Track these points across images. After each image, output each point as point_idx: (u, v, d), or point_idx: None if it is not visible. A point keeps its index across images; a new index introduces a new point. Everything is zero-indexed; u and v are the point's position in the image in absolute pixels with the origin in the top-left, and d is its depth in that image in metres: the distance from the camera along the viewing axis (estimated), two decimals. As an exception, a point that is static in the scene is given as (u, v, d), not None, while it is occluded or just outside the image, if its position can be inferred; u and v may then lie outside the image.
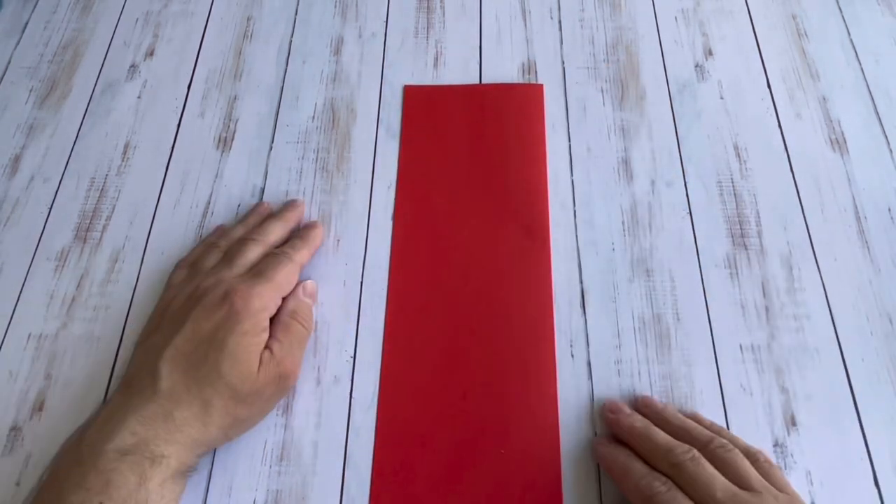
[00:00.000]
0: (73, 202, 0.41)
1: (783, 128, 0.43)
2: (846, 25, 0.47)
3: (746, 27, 0.47)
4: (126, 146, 0.43)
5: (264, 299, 0.33)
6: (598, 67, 0.45)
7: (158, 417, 0.29)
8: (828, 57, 0.46)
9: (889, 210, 0.40)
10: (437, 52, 0.46)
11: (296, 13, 0.48)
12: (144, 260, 0.39)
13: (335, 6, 0.49)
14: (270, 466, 0.33)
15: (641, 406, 0.34)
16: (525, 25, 0.47)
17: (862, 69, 0.45)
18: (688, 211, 0.40)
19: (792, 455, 0.33)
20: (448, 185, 0.41)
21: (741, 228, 0.39)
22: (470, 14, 0.48)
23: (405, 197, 0.40)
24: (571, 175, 0.41)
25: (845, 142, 0.42)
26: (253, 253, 0.36)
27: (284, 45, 0.47)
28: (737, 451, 0.30)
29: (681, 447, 0.30)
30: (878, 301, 0.37)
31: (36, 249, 0.39)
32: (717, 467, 0.29)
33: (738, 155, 0.42)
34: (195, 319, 0.32)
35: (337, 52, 0.46)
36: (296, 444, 0.34)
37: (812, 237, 0.39)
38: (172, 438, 0.29)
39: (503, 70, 0.45)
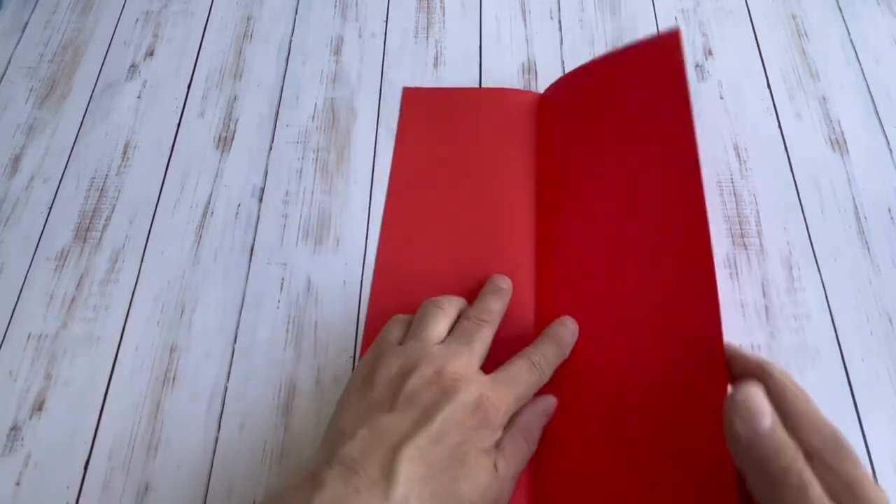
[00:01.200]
0: (73, 202, 0.41)
1: (783, 128, 0.43)
2: (846, 25, 0.47)
3: (746, 27, 0.47)
4: (126, 146, 0.43)
5: (508, 416, 0.29)
6: (598, 67, 0.45)
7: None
8: (828, 57, 0.46)
9: (889, 210, 0.40)
10: (437, 52, 0.46)
11: (296, 13, 0.48)
12: (144, 260, 0.39)
13: (335, 6, 0.49)
14: (270, 466, 0.33)
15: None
16: (525, 25, 0.47)
17: (862, 69, 0.45)
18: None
19: (792, 455, 0.33)
20: (441, 190, 0.40)
21: (741, 228, 0.39)
22: (470, 14, 0.48)
23: (396, 201, 0.40)
24: (571, 175, 0.41)
25: (845, 142, 0.42)
26: (488, 337, 0.32)
27: (284, 45, 0.47)
28: (855, 470, 0.24)
29: (800, 459, 0.24)
30: (878, 301, 0.37)
31: (36, 249, 0.39)
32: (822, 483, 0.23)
33: (738, 155, 0.42)
34: (446, 423, 0.27)
35: (337, 52, 0.46)
36: (296, 444, 0.34)
37: (812, 237, 0.39)
38: None
39: (503, 70, 0.45)
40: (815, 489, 0.22)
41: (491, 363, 0.32)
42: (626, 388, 0.31)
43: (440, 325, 0.31)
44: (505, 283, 0.35)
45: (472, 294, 0.35)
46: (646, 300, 0.32)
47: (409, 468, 0.25)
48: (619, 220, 0.35)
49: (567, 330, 0.33)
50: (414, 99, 0.44)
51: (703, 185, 0.31)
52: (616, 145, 0.37)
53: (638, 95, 0.37)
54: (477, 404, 0.28)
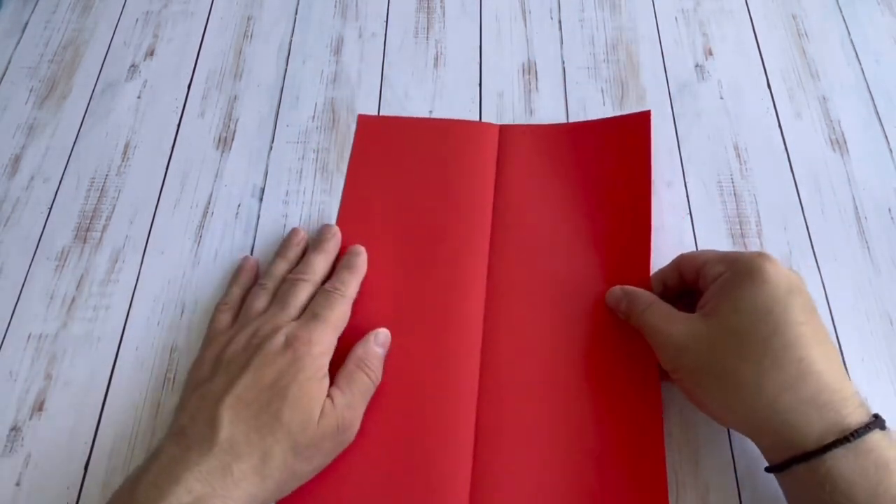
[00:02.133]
0: (73, 202, 0.41)
1: (783, 128, 0.43)
2: (846, 25, 0.47)
3: (746, 27, 0.47)
4: (126, 146, 0.43)
5: (324, 344, 0.32)
6: (598, 67, 0.45)
7: (216, 472, 0.28)
8: (828, 57, 0.46)
9: (889, 210, 0.40)
10: (437, 52, 0.46)
11: (296, 13, 0.48)
12: (144, 260, 0.39)
13: (335, 6, 0.49)
14: (270, 466, 0.33)
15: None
16: (525, 25, 0.47)
17: (862, 69, 0.45)
18: (688, 211, 0.40)
19: (792, 455, 0.33)
20: (391, 221, 0.39)
21: (741, 228, 0.39)
22: (470, 14, 0.48)
23: (345, 230, 0.38)
24: (571, 175, 0.41)
25: (845, 142, 0.42)
26: (304, 293, 0.35)
27: (284, 45, 0.47)
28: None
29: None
30: (878, 301, 0.37)
31: (36, 249, 0.39)
32: None
33: (738, 155, 0.42)
34: (257, 367, 0.30)
35: (337, 52, 0.46)
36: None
37: (812, 237, 0.39)
38: (229, 495, 0.27)
39: (503, 70, 0.45)
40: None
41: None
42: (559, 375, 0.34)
43: (260, 300, 0.35)
44: (332, 238, 0.38)
45: (420, 323, 0.36)
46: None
47: (230, 414, 0.29)
48: (570, 262, 0.38)
49: (359, 257, 0.37)
50: (369, 127, 0.43)
51: (651, 251, 0.36)
52: (574, 202, 0.39)
53: (603, 163, 0.40)
54: (285, 345, 0.31)
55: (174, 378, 0.35)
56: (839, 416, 0.27)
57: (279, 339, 0.32)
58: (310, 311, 0.34)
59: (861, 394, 0.28)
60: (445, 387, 0.34)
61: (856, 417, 0.27)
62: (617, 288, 0.35)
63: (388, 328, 0.35)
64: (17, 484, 0.32)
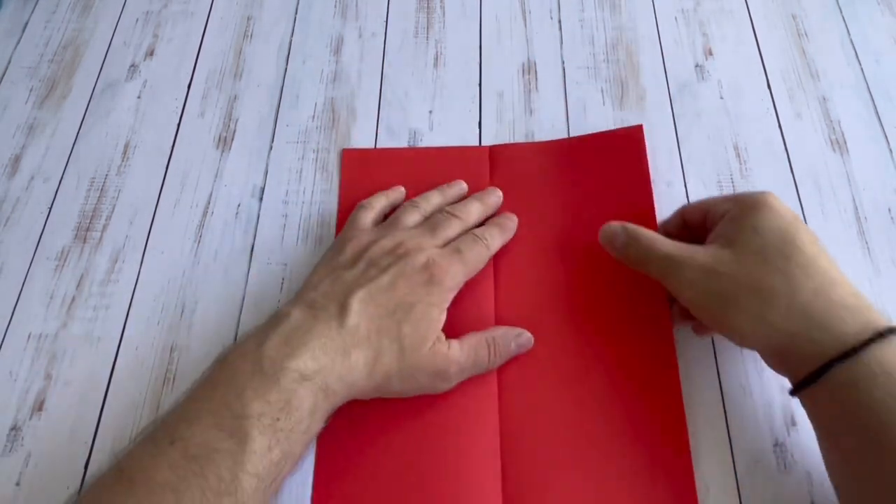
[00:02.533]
0: (73, 202, 0.41)
1: (783, 128, 0.43)
2: (846, 25, 0.47)
3: (746, 27, 0.47)
4: (126, 146, 0.43)
5: (457, 279, 0.34)
6: (598, 67, 0.45)
7: (339, 351, 0.30)
8: (828, 57, 0.46)
9: (889, 210, 0.40)
10: (437, 52, 0.46)
11: (296, 13, 0.48)
12: (144, 260, 0.39)
13: (335, 6, 0.49)
14: (270, 466, 0.33)
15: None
16: (525, 25, 0.47)
17: (862, 69, 0.45)
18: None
19: (792, 455, 0.33)
20: None
21: (741, 228, 0.39)
22: (470, 14, 0.48)
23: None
24: (571, 175, 0.41)
25: (845, 142, 0.42)
26: (454, 229, 0.36)
27: (284, 45, 0.47)
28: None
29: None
30: (878, 301, 0.37)
31: (36, 249, 0.39)
32: None
33: (738, 155, 0.42)
34: (395, 275, 0.32)
35: (337, 52, 0.46)
36: (296, 444, 0.34)
37: (812, 237, 0.39)
38: (343, 377, 0.30)
39: (503, 70, 0.45)
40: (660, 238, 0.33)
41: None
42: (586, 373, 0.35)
43: (411, 217, 0.37)
44: (495, 195, 0.39)
45: None
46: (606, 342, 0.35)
47: (360, 306, 0.31)
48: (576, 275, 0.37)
49: (512, 221, 0.38)
50: (355, 161, 0.42)
51: None
52: (573, 219, 0.39)
53: (600, 178, 0.40)
54: (425, 266, 0.33)
55: (174, 378, 0.35)
56: (871, 316, 0.28)
57: (421, 258, 0.33)
58: (454, 246, 0.35)
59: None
60: (465, 397, 0.34)
61: (884, 320, 0.28)
62: (614, 224, 0.35)
63: None
64: (17, 484, 0.32)
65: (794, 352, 0.29)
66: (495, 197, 0.39)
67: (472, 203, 0.38)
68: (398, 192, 0.40)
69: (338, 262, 0.34)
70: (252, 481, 0.27)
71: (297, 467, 0.31)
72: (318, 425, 0.30)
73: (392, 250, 0.34)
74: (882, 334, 0.27)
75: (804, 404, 0.30)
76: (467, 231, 0.37)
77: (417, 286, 0.32)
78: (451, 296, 0.34)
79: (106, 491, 0.27)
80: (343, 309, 0.31)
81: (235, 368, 0.29)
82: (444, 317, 0.33)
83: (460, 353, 0.33)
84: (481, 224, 0.38)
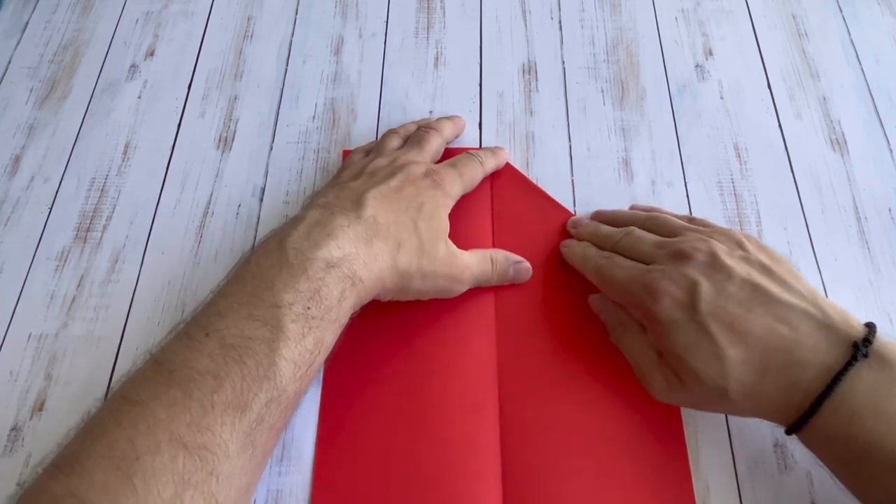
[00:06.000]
0: (73, 202, 0.41)
1: (783, 128, 0.43)
2: (846, 25, 0.47)
3: (746, 27, 0.47)
4: (126, 146, 0.43)
5: (455, 188, 0.35)
6: (598, 67, 0.45)
7: (361, 240, 0.30)
8: (828, 57, 0.46)
9: (889, 210, 0.40)
10: (437, 52, 0.46)
11: (296, 13, 0.48)
12: (144, 260, 0.39)
13: (335, 6, 0.49)
14: (270, 466, 0.33)
15: (596, 215, 0.39)
16: (525, 25, 0.47)
17: (862, 69, 0.45)
18: (688, 211, 0.40)
19: (792, 455, 0.33)
20: None
21: (741, 228, 0.39)
22: (470, 14, 0.48)
23: None
24: (572, 175, 0.41)
25: (845, 142, 0.42)
26: (436, 142, 0.38)
27: (284, 45, 0.47)
28: (666, 215, 0.36)
29: (620, 230, 0.36)
30: (878, 301, 0.37)
31: (36, 249, 0.39)
32: (651, 232, 0.35)
33: (738, 155, 0.42)
34: (401, 179, 0.34)
35: (337, 52, 0.46)
36: (296, 444, 0.34)
37: (812, 237, 0.39)
38: (369, 265, 0.30)
39: (503, 70, 0.45)
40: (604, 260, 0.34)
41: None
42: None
43: (393, 141, 0.39)
44: (459, 119, 0.42)
45: (427, 359, 0.35)
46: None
47: (374, 202, 0.32)
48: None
49: (503, 152, 0.41)
50: None
51: None
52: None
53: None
54: (425, 173, 0.35)
55: (174, 378, 0.35)
56: (843, 330, 0.28)
57: (420, 167, 0.35)
58: (450, 161, 0.37)
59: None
60: (466, 421, 0.34)
61: (853, 326, 0.28)
62: (598, 298, 0.36)
63: (401, 364, 0.35)
64: (18, 484, 0.32)
65: (783, 406, 0.28)
66: (461, 120, 0.42)
67: (443, 121, 0.40)
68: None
69: (340, 179, 0.36)
70: (289, 367, 0.27)
71: (328, 356, 0.31)
72: (346, 315, 0.30)
73: (389, 164, 0.35)
74: (857, 347, 0.27)
75: (802, 440, 0.29)
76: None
77: (423, 189, 0.34)
78: (451, 203, 0.35)
79: (146, 381, 0.27)
80: (359, 204, 0.32)
81: (262, 264, 0.30)
82: (448, 224, 0.34)
83: (471, 259, 0.35)
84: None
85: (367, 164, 0.36)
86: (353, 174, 0.36)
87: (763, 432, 0.33)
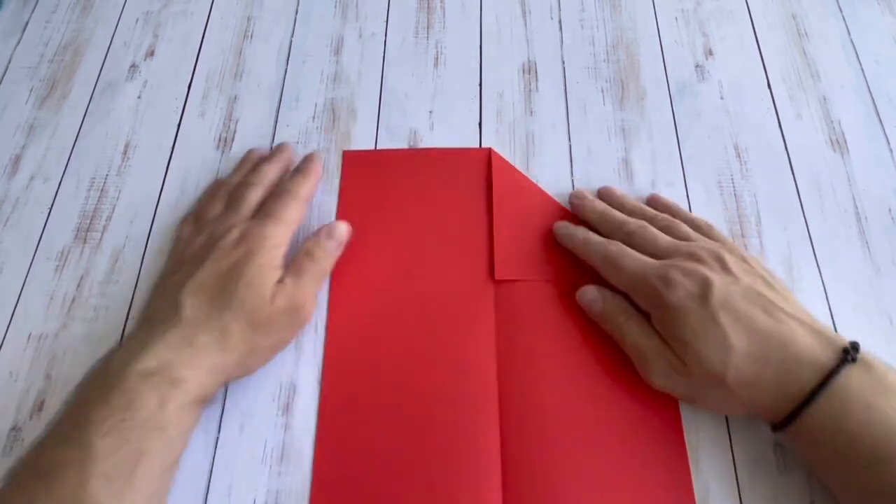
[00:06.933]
0: (73, 202, 0.41)
1: (783, 128, 0.43)
2: (846, 25, 0.47)
3: (746, 27, 0.47)
4: (126, 146, 0.43)
5: (276, 238, 0.34)
6: (598, 67, 0.45)
7: (180, 343, 0.31)
8: (828, 57, 0.46)
9: (889, 210, 0.40)
10: (437, 52, 0.46)
11: (296, 13, 0.48)
12: (144, 260, 0.39)
13: (335, 6, 0.48)
14: (270, 466, 0.33)
15: (603, 194, 0.40)
16: (525, 25, 0.47)
17: (862, 69, 0.45)
18: (688, 211, 0.40)
19: (792, 455, 0.33)
20: (388, 257, 0.38)
21: (741, 228, 0.39)
22: (470, 14, 0.48)
23: (342, 271, 0.37)
24: (572, 175, 0.41)
25: (845, 142, 0.42)
26: (254, 195, 0.37)
27: (284, 45, 0.47)
28: (679, 221, 0.36)
29: (633, 220, 0.36)
30: (878, 301, 0.37)
31: (36, 249, 0.39)
32: (662, 232, 0.35)
33: (738, 155, 0.42)
34: (214, 259, 0.33)
35: (337, 52, 0.46)
36: (296, 444, 0.34)
37: (812, 237, 0.39)
38: (193, 363, 0.30)
39: (503, 70, 0.45)
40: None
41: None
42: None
43: (214, 207, 0.38)
44: (284, 150, 0.41)
45: (426, 359, 0.35)
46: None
47: (191, 298, 0.32)
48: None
49: (313, 163, 0.39)
50: (354, 162, 0.41)
51: None
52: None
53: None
54: (237, 240, 0.34)
55: (174, 378, 0.35)
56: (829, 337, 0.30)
57: (233, 235, 0.34)
58: (262, 212, 0.36)
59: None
60: (464, 417, 0.34)
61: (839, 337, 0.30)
62: (591, 289, 0.36)
63: (397, 364, 0.35)
64: (18, 484, 0.32)
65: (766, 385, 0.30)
66: (286, 153, 0.41)
67: (264, 166, 0.39)
68: (211, 190, 0.40)
69: (165, 275, 0.37)
70: (98, 482, 0.27)
71: (173, 465, 0.31)
72: (175, 417, 0.29)
73: (205, 243, 0.35)
74: (847, 351, 0.29)
75: (788, 440, 0.31)
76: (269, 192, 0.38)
77: (239, 257, 0.33)
78: (278, 252, 0.34)
79: None
80: (175, 308, 0.32)
81: (85, 387, 0.31)
82: (279, 271, 0.34)
83: (292, 279, 0.34)
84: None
85: (187, 248, 0.36)
86: (174, 265, 0.36)
87: (763, 433, 0.33)
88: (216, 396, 0.33)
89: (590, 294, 0.36)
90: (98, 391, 0.29)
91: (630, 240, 0.35)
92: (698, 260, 0.32)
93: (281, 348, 0.35)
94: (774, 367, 0.29)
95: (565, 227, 0.38)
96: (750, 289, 0.31)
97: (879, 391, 0.28)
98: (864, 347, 0.30)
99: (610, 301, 0.35)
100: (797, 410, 0.29)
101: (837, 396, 0.28)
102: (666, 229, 0.36)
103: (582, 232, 0.37)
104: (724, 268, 0.32)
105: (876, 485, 0.27)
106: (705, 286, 0.31)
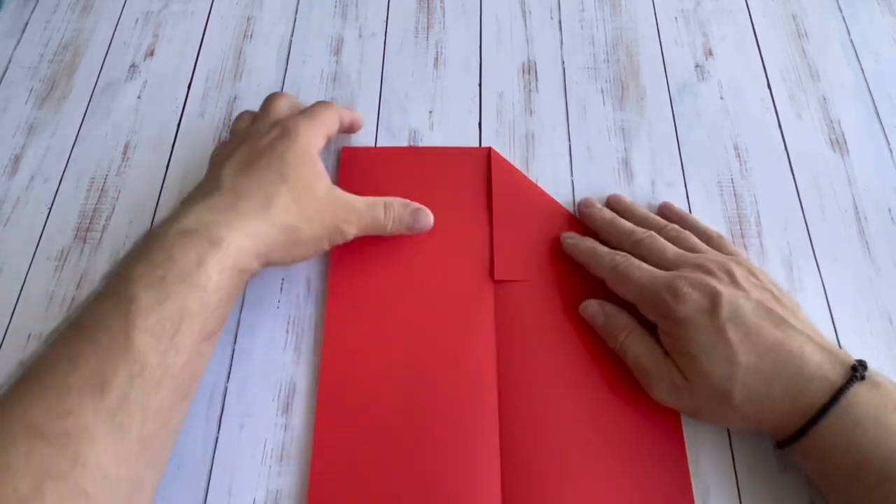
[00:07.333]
0: (73, 202, 0.41)
1: (783, 128, 0.43)
2: (846, 25, 0.47)
3: (746, 27, 0.47)
4: (126, 146, 0.43)
5: (312, 130, 0.34)
6: (598, 67, 0.45)
7: (222, 207, 0.30)
8: (828, 57, 0.46)
9: (889, 210, 0.40)
10: (437, 52, 0.46)
11: (296, 13, 0.48)
12: (144, 260, 0.39)
13: (335, 6, 0.49)
14: (270, 466, 0.33)
15: (612, 202, 0.39)
16: (525, 25, 0.47)
17: (862, 69, 0.45)
18: (688, 211, 0.40)
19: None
20: (387, 257, 0.38)
21: (741, 228, 0.39)
22: (470, 14, 0.48)
23: (340, 270, 0.37)
24: (571, 175, 0.41)
25: (845, 142, 0.42)
26: (284, 101, 0.37)
27: (284, 45, 0.47)
28: (688, 232, 0.36)
29: (641, 230, 0.36)
30: (878, 301, 0.37)
31: (36, 249, 0.39)
32: (671, 242, 0.35)
33: (738, 155, 0.42)
34: (250, 141, 0.34)
35: (337, 52, 0.46)
36: (296, 444, 0.34)
37: (812, 237, 0.39)
38: (233, 225, 0.30)
39: (503, 70, 0.45)
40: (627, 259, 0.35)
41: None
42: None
43: (244, 120, 0.38)
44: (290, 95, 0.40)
45: (425, 356, 0.35)
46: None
47: (231, 170, 0.32)
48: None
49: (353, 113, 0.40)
50: (353, 159, 0.41)
51: None
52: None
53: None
54: (273, 123, 0.35)
55: (174, 378, 0.35)
56: (837, 356, 0.30)
57: (265, 122, 0.35)
58: (300, 112, 0.36)
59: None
60: (464, 420, 0.34)
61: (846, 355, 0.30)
62: (593, 303, 0.36)
63: (396, 364, 0.35)
64: (17, 484, 0.32)
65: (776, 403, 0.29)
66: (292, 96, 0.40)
67: (279, 98, 0.39)
68: None
69: (218, 150, 0.37)
70: (145, 337, 0.26)
71: (212, 338, 0.30)
72: (214, 279, 0.29)
73: (243, 133, 0.35)
74: (855, 369, 0.29)
75: (793, 457, 0.31)
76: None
77: (276, 138, 0.33)
78: (315, 143, 0.34)
79: (11, 388, 0.26)
80: (217, 179, 0.32)
81: (128, 252, 0.31)
82: (321, 163, 0.34)
83: (360, 202, 0.34)
84: None
85: (221, 153, 0.36)
86: (224, 142, 0.37)
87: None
88: (257, 273, 0.32)
89: (591, 308, 0.36)
90: (139, 251, 0.29)
91: (638, 249, 0.35)
92: (707, 272, 0.32)
93: (320, 245, 0.34)
94: (783, 383, 0.29)
95: (572, 238, 0.37)
96: (760, 303, 0.31)
97: (889, 409, 0.28)
98: (863, 350, 0.30)
99: (612, 316, 0.35)
100: (806, 427, 0.28)
101: (847, 414, 0.28)
102: (675, 240, 0.35)
103: (589, 242, 0.37)
104: (734, 281, 0.32)
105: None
106: (715, 299, 0.30)
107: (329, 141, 0.36)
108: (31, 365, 0.26)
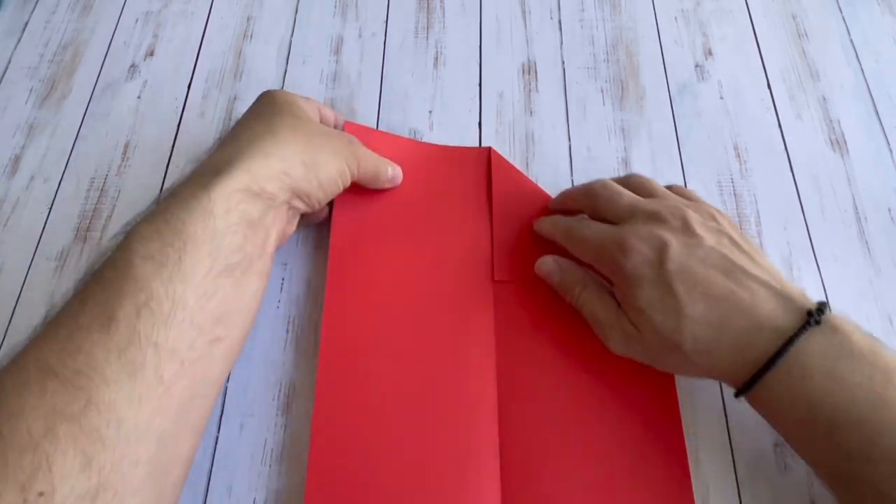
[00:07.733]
0: (73, 202, 0.41)
1: (783, 128, 0.43)
2: (846, 25, 0.47)
3: (746, 27, 0.47)
4: (126, 146, 0.43)
5: (290, 95, 0.36)
6: (598, 67, 0.45)
7: (228, 139, 0.32)
8: (828, 57, 0.46)
9: (889, 210, 0.40)
10: (437, 52, 0.46)
11: (296, 13, 0.48)
12: (144, 260, 0.39)
13: (335, 6, 0.49)
14: (270, 466, 0.33)
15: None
16: (525, 25, 0.47)
17: (862, 69, 0.45)
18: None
19: (792, 455, 0.33)
20: (386, 256, 0.37)
21: (741, 228, 0.39)
22: (470, 14, 0.48)
23: (339, 255, 0.37)
24: (571, 175, 0.41)
25: (845, 142, 0.42)
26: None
27: (284, 45, 0.47)
28: (650, 179, 0.35)
29: (595, 181, 0.35)
30: (878, 301, 0.37)
31: (36, 249, 0.39)
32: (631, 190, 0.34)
33: (738, 155, 0.42)
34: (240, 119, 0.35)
35: (337, 52, 0.46)
36: (296, 444, 0.34)
37: (812, 237, 0.39)
38: (243, 152, 0.30)
39: (503, 70, 0.45)
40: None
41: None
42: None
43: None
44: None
45: (424, 356, 0.35)
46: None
47: (241, 124, 0.33)
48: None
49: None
50: (356, 135, 0.40)
51: None
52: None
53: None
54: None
55: (174, 378, 0.35)
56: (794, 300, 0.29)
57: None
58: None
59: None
60: (462, 413, 0.34)
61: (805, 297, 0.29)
62: (548, 259, 0.36)
63: (395, 364, 0.35)
64: (17, 484, 0.32)
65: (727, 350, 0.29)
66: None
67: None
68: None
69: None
70: (145, 264, 0.26)
71: (225, 263, 0.28)
72: (224, 205, 0.28)
73: None
74: (811, 314, 0.28)
75: (752, 404, 0.30)
76: None
77: (256, 104, 0.35)
78: (288, 96, 0.35)
79: (29, 336, 0.26)
80: (212, 151, 0.33)
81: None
82: (301, 106, 0.35)
83: (363, 149, 0.36)
84: None
85: None
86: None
87: (763, 432, 0.33)
88: (285, 202, 0.31)
89: (546, 266, 0.36)
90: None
91: (595, 203, 0.35)
92: (659, 220, 0.31)
93: (341, 165, 0.34)
94: (733, 333, 0.28)
95: (541, 221, 0.37)
96: (712, 250, 0.30)
97: (842, 355, 0.27)
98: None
99: (567, 272, 0.35)
100: (754, 378, 0.28)
101: (797, 362, 0.27)
102: (630, 187, 0.35)
103: (553, 217, 0.37)
104: (686, 228, 0.31)
105: (838, 451, 0.27)
106: (662, 251, 0.30)
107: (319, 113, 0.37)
108: (48, 314, 0.27)
